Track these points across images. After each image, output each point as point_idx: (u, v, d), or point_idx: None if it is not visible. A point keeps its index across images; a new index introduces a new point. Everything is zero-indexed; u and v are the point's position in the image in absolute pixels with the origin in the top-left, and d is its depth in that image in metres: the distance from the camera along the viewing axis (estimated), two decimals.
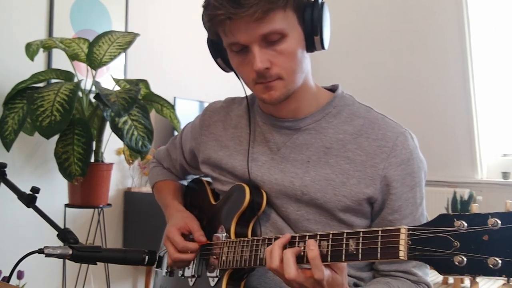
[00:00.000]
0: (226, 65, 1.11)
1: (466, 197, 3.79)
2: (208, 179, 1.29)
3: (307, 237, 0.88)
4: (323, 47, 1.03)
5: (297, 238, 0.90)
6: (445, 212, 3.21)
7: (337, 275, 0.86)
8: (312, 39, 1.01)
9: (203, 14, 1.00)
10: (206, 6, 0.99)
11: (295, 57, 1.00)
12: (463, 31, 4.10)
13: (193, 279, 1.15)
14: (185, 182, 1.42)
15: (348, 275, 1.04)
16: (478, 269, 0.66)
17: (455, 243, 0.69)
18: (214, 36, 1.05)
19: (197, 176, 1.39)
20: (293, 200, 1.06)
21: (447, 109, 4.32)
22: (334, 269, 0.86)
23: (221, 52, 1.09)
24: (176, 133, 2.91)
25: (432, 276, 4.13)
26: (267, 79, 1.00)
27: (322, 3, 1.02)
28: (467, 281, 3.85)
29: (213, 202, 1.24)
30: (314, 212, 1.05)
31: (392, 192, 1.02)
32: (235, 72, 1.09)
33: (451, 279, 3.96)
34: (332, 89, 1.15)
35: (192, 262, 1.15)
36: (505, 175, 4.28)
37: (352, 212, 1.04)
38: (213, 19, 0.97)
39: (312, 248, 0.84)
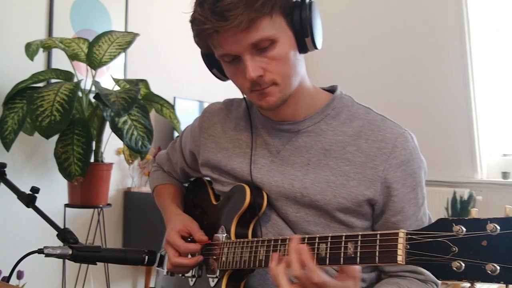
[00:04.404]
0: (222, 75, 1.11)
1: (466, 197, 3.78)
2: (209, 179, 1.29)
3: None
4: (315, 47, 1.02)
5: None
6: (444, 212, 3.20)
7: (349, 281, 0.85)
8: (304, 40, 1.00)
9: (191, 29, 1.00)
10: (192, 21, 0.99)
11: (288, 61, 0.99)
12: (463, 31, 4.09)
13: (194, 279, 1.15)
14: (186, 185, 1.42)
15: None
16: (476, 275, 0.66)
17: (454, 248, 0.69)
18: (206, 49, 1.05)
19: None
20: (293, 202, 1.06)
21: (447, 109, 4.31)
22: (346, 273, 0.85)
23: (216, 62, 1.08)
24: (176, 133, 2.92)
25: None
26: (262, 86, 0.99)
27: (310, 3, 1.00)
28: None
29: (214, 202, 1.23)
30: (314, 213, 1.05)
31: (394, 194, 1.02)
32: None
33: None
34: (331, 90, 1.14)
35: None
36: (505, 175, 4.27)
37: (352, 214, 1.03)
38: (200, 33, 0.97)
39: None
